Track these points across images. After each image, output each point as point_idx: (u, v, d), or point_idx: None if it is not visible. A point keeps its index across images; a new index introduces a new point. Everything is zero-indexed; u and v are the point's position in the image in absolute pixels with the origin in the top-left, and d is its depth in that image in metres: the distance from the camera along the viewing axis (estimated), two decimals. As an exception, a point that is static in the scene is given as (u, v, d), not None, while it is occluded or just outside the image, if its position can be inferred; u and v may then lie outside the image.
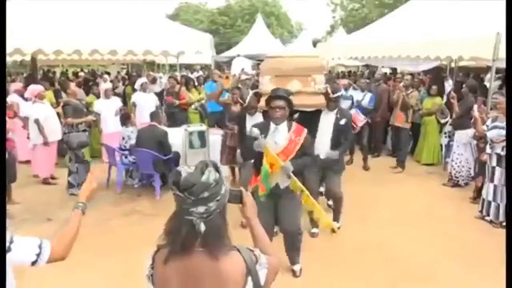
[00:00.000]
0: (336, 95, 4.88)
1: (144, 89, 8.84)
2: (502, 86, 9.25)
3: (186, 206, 1.48)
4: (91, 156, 7.45)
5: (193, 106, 9.73)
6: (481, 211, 5.71)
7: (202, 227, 1.47)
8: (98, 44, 7.39)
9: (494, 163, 5.39)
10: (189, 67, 25.75)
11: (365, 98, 8.04)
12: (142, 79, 9.48)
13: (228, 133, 6.47)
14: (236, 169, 6.74)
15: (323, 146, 4.80)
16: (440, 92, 8.68)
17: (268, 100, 3.80)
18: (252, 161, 4.08)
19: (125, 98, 10.70)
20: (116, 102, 8.45)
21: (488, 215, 5.57)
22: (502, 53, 7.23)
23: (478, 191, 6.10)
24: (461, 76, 13.05)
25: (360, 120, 7.26)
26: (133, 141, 6.70)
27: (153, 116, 6.75)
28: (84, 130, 6.67)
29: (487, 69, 13.30)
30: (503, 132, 5.12)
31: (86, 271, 4.25)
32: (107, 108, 8.10)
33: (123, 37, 7.74)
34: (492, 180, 5.45)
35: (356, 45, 10.14)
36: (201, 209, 1.48)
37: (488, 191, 5.54)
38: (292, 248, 4.16)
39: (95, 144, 8.24)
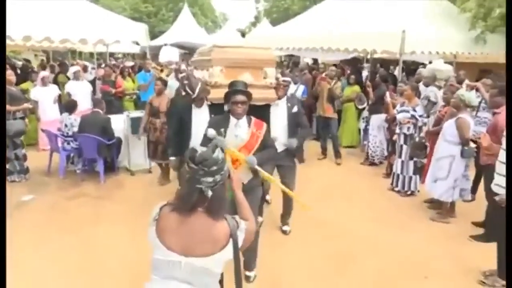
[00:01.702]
0: (285, 78, 4.94)
1: (77, 77, 8.91)
2: (408, 76, 10.43)
3: (198, 176, 1.91)
4: (27, 144, 7.49)
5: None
6: (392, 184, 6.69)
7: (210, 193, 1.91)
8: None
9: (401, 142, 6.38)
10: (112, 56, 25.21)
11: (298, 90, 8.59)
12: (75, 68, 9.50)
13: (151, 127, 6.55)
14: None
15: (279, 138, 4.60)
16: (358, 81, 9.66)
17: (228, 94, 3.63)
18: None
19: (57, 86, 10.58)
20: (54, 90, 8.49)
21: (398, 186, 6.55)
22: (408, 48, 8.38)
23: (391, 167, 7.08)
24: (375, 67, 14.33)
25: None
26: (75, 128, 6.87)
27: (96, 103, 6.99)
28: (22, 118, 6.71)
29: (396, 61, 14.80)
30: (408, 114, 6.12)
31: (47, 248, 4.55)
32: (45, 96, 8.13)
33: (57, 25, 7.86)
34: (400, 156, 6.44)
35: (282, 37, 10.84)
36: (209, 179, 1.91)
37: (397, 166, 6.52)
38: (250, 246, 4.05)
39: (31, 132, 8.21)
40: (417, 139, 6.18)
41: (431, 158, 5.70)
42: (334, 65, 12.34)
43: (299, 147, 4.92)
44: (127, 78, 10.13)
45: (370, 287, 4.00)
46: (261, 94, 4.49)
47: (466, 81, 7.82)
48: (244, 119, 3.61)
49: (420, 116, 6.24)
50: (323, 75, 9.25)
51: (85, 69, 10.96)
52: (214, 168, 1.93)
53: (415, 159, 6.28)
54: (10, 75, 6.69)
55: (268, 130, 3.75)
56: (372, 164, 8.06)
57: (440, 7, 10.41)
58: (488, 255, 4.17)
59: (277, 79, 4.78)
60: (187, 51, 20.18)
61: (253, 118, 3.70)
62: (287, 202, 5.02)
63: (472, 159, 5.49)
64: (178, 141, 4.80)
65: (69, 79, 9.60)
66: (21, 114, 6.67)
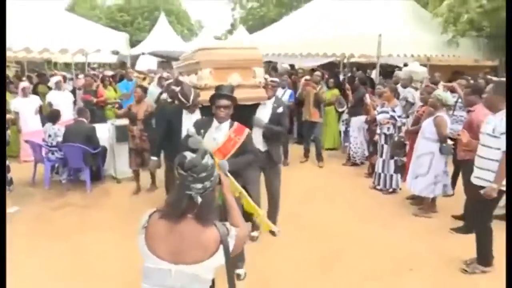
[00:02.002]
0: (273, 78, 4.98)
1: (59, 87, 8.89)
2: (385, 79, 10.74)
3: (187, 182, 1.91)
4: (8, 156, 7.42)
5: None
6: (373, 182, 6.90)
7: (199, 199, 1.90)
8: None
9: (382, 141, 6.61)
10: (88, 65, 25.01)
11: (285, 94, 8.63)
12: (57, 78, 9.49)
13: (129, 134, 6.58)
14: (148, 174, 6.70)
15: (261, 138, 4.70)
16: (337, 85, 9.90)
17: (212, 98, 3.72)
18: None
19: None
20: (35, 101, 8.45)
21: (380, 184, 6.77)
22: (384, 51, 8.69)
23: (373, 167, 7.29)
24: (352, 71, 14.70)
25: None
26: (59, 138, 6.86)
27: (80, 112, 7.01)
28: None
29: (372, 65, 15.25)
30: (388, 115, 6.35)
31: (37, 257, 4.58)
32: (26, 107, 8.10)
33: (37, 35, 7.86)
34: (381, 156, 6.66)
35: (261, 44, 11.04)
36: (199, 185, 1.91)
37: (378, 165, 6.74)
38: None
39: (13, 143, 8.14)
40: (396, 139, 6.42)
41: (411, 156, 5.92)
42: (313, 69, 12.55)
43: (276, 150, 5.00)
44: (108, 87, 10.12)
45: (357, 282, 4.13)
46: (252, 94, 4.54)
47: (441, 83, 8.15)
48: (226, 123, 3.66)
49: (399, 116, 6.49)
50: (304, 79, 9.18)
51: (64, 79, 10.89)
52: (204, 174, 1.93)
53: (395, 158, 6.51)
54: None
55: (249, 136, 3.75)
56: (354, 164, 8.28)
57: (413, 12, 10.80)
58: (468, 245, 4.38)
59: (265, 79, 4.81)
60: (164, 59, 20.21)
61: (235, 124, 3.72)
62: (272, 203, 5.09)
63: (450, 156, 5.74)
64: (165, 145, 4.84)
65: (49, 89, 9.55)
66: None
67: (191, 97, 4.47)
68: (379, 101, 7.11)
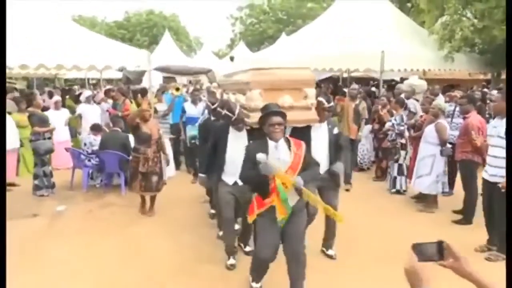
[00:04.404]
0: (330, 105, 4.72)
1: (89, 101, 9.66)
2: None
3: None
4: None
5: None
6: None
7: None
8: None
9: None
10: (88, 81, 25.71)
11: None
12: (88, 92, 10.27)
13: (139, 157, 6.12)
14: (147, 198, 6.46)
15: (322, 161, 4.33)
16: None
17: (264, 118, 3.64)
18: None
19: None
20: (65, 113, 9.18)
21: (394, 187, 7.43)
22: (387, 66, 9.54)
23: (381, 170, 8.01)
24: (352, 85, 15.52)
25: None
26: (95, 147, 7.60)
27: (115, 122, 7.73)
28: (49, 138, 7.39)
29: (371, 79, 16.18)
30: (390, 123, 7.18)
31: (89, 249, 5.22)
32: (57, 119, 8.80)
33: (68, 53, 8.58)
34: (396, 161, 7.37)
35: (266, 60, 11.85)
36: None
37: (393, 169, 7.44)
38: (297, 270, 3.78)
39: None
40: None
41: (415, 159, 6.69)
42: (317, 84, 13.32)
43: (343, 171, 4.82)
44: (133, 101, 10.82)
45: (370, 264, 4.76)
46: (303, 116, 4.36)
47: (440, 95, 8.99)
48: (282, 141, 3.60)
49: (398, 124, 7.23)
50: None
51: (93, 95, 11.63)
52: None
53: (399, 162, 7.27)
54: (39, 99, 7.35)
55: (307, 149, 3.72)
56: (361, 169, 9.02)
57: (411, 29, 11.73)
58: (465, 234, 5.25)
59: (322, 103, 4.61)
60: (170, 74, 20.93)
61: (290, 139, 3.70)
62: (330, 224, 4.87)
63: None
64: (212, 162, 4.69)
65: (75, 102, 10.29)
66: (49, 134, 7.34)
67: (236, 111, 4.30)
68: (384, 110, 7.93)
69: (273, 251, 3.66)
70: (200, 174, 5.10)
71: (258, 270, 3.93)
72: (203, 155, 5.13)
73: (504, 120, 4.64)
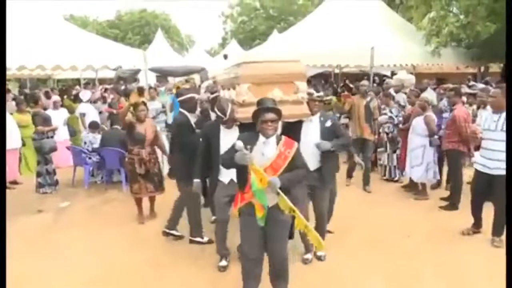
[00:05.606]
0: (319, 94, 4.52)
1: (90, 100, 9.91)
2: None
3: None
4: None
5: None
6: (381, 174, 7.97)
7: None
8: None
9: (385, 139, 7.70)
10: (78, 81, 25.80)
11: None
12: (87, 92, 10.46)
13: (134, 158, 5.85)
14: (145, 199, 6.15)
15: (311, 157, 4.27)
16: (335, 93, 11.03)
17: (257, 113, 3.47)
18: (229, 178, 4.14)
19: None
20: (64, 113, 9.39)
21: (385, 175, 7.83)
22: (377, 61, 9.86)
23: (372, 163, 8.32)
24: (344, 80, 15.86)
25: None
26: (96, 145, 7.83)
27: (114, 120, 7.97)
28: (52, 137, 7.60)
29: (362, 74, 16.53)
30: (387, 116, 7.47)
31: (92, 242, 5.46)
32: (56, 118, 9.00)
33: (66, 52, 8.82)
34: (386, 150, 7.74)
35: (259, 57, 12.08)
36: None
37: (384, 158, 7.82)
38: (279, 277, 3.70)
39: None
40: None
41: (405, 150, 7.00)
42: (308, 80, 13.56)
43: (336, 155, 4.67)
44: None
45: (367, 245, 5.07)
46: (294, 110, 4.19)
47: (429, 89, 9.32)
48: (273, 138, 3.44)
49: (396, 116, 7.52)
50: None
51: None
52: None
53: (397, 152, 7.59)
54: (43, 100, 7.54)
55: (299, 150, 3.52)
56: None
57: (400, 25, 12.07)
58: (450, 219, 5.69)
59: (311, 94, 4.43)
60: (160, 74, 21.04)
61: (283, 137, 3.53)
62: (320, 226, 4.64)
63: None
64: (204, 164, 4.52)
65: (73, 102, 10.49)
66: (52, 133, 7.55)
67: (228, 111, 4.18)
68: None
69: (254, 247, 3.56)
70: (195, 180, 4.59)
71: (245, 267, 3.75)
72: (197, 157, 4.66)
73: (492, 115, 4.85)
